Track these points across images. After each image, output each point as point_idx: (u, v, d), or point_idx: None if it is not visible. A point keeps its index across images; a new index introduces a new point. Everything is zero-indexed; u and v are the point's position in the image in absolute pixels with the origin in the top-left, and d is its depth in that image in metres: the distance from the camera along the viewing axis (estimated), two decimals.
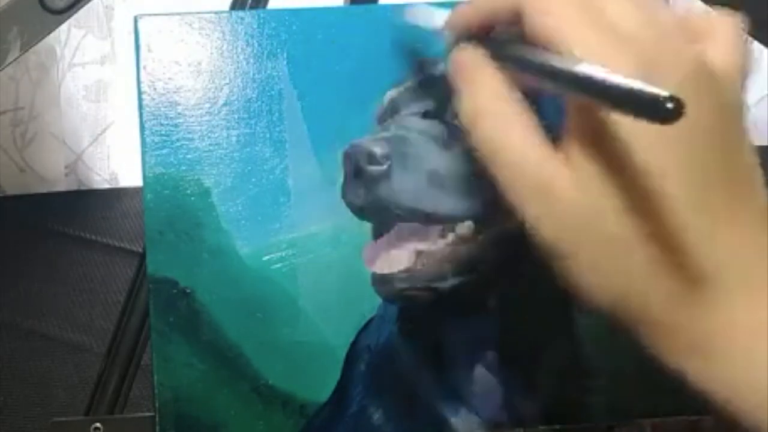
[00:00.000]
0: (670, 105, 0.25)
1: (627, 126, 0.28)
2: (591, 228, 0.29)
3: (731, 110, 0.31)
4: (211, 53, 0.45)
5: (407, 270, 0.44)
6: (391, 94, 0.46)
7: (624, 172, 0.29)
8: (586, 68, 0.28)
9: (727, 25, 0.33)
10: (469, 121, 0.31)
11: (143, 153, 0.44)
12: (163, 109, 0.45)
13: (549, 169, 0.29)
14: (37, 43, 0.49)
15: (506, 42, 0.33)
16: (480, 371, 0.45)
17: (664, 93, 0.25)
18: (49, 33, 0.50)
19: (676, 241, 0.29)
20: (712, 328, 0.30)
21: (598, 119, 0.29)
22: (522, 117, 0.31)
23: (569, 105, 0.31)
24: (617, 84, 0.26)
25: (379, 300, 0.45)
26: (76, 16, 0.50)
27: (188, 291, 0.44)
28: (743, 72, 0.33)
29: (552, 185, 0.29)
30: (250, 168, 0.45)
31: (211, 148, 0.45)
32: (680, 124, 0.25)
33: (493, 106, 0.31)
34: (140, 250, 0.46)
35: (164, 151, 0.44)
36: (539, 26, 0.30)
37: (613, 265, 0.30)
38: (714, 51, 0.32)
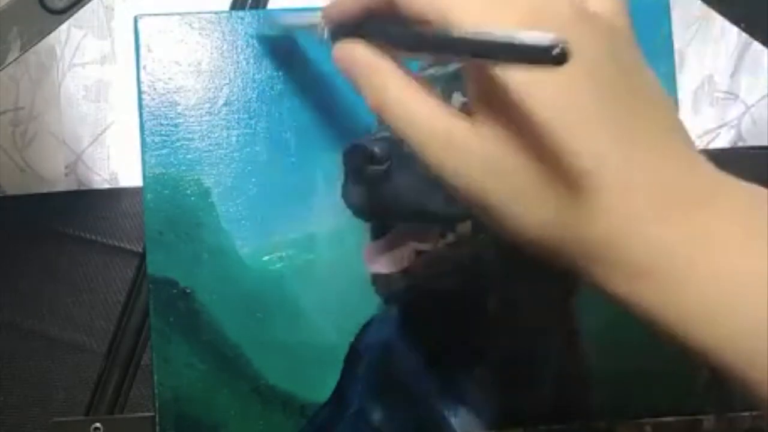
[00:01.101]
0: (556, 51, 0.25)
1: (516, 77, 0.30)
2: (494, 174, 0.31)
3: (620, 53, 0.32)
4: (211, 53, 0.45)
5: (407, 270, 0.44)
6: None
7: (519, 121, 0.30)
8: (469, 32, 0.29)
9: None
10: (379, 110, 0.33)
11: (143, 153, 0.44)
12: (163, 109, 0.45)
13: (456, 129, 0.32)
14: (37, 43, 0.49)
15: (386, 27, 0.34)
16: (480, 371, 0.45)
17: (548, 39, 0.26)
18: (49, 33, 0.50)
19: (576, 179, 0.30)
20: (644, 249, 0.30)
21: (491, 78, 0.30)
22: (424, 91, 0.32)
23: (464, 72, 0.32)
24: (502, 40, 0.27)
25: (379, 300, 0.45)
26: (76, 16, 0.50)
27: (188, 291, 0.44)
28: (627, 16, 0.33)
29: (457, 138, 0.31)
30: (250, 168, 0.45)
31: (211, 148, 0.45)
32: (568, 70, 0.26)
33: (396, 92, 0.33)
34: (140, 250, 0.46)
35: (164, 151, 0.44)
36: (415, 4, 0.32)
37: (523, 206, 0.31)
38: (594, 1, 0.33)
